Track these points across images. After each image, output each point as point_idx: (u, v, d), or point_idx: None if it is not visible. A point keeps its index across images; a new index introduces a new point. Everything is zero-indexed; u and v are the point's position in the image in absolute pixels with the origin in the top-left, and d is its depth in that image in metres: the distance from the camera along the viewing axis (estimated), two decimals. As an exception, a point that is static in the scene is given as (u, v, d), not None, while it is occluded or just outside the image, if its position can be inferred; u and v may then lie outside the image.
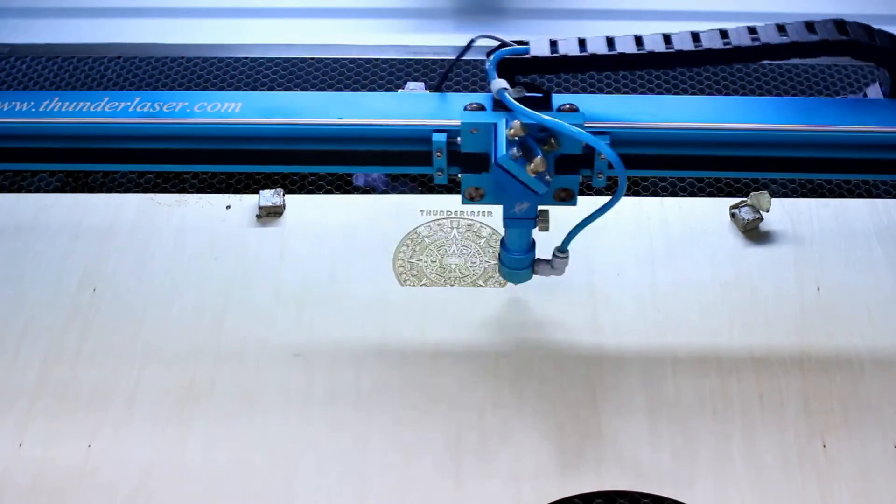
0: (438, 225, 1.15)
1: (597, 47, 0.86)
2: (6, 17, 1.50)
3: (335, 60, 1.39)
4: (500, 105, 0.84)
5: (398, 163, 0.90)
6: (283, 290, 1.07)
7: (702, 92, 1.34)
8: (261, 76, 1.37)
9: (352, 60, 1.39)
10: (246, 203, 1.17)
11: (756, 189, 1.18)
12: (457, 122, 0.85)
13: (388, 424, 0.96)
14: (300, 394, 0.98)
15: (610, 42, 0.87)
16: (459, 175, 0.89)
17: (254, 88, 1.35)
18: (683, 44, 0.86)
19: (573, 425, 0.96)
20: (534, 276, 0.98)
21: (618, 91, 1.34)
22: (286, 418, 0.97)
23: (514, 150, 0.81)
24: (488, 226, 1.14)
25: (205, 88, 1.35)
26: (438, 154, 0.86)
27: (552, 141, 0.83)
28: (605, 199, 0.85)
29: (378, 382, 0.99)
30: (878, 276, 1.08)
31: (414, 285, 1.08)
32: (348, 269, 1.10)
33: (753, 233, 1.13)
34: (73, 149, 0.90)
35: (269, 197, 1.15)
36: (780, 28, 0.86)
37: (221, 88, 1.35)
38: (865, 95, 0.94)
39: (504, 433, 0.95)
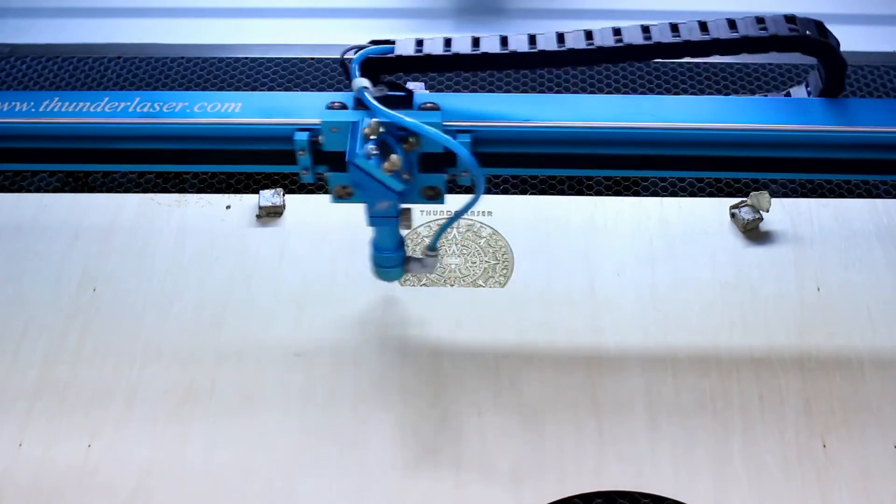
0: (438, 225, 1.15)
1: (461, 47, 0.87)
2: (6, 17, 1.50)
3: (335, 60, 1.39)
4: (361, 104, 0.84)
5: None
6: (283, 290, 1.07)
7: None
8: (261, 76, 1.37)
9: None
10: (246, 203, 1.17)
11: (756, 189, 1.18)
12: (318, 121, 0.85)
13: (387, 424, 0.96)
14: (300, 394, 0.98)
15: (475, 41, 0.87)
16: (326, 174, 0.89)
17: (254, 88, 1.35)
18: (549, 44, 0.86)
19: (573, 425, 0.96)
20: (407, 273, 0.98)
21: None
22: (286, 418, 0.97)
23: (369, 148, 0.81)
24: (488, 226, 1.14)
25: (205, 88, 1.35)
26: (302, 153, 0.86)
27: (411, 140, 0.83)
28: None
29: (378, 382, 0.99)
30: (878, 276, 1.08)
31: (414, 285, 1.08)
32: (348, 269, 1.10)
33: (753, 233, 1.13)
34: (73, 149, 0.90)
35: (269, 197, 1.16)
36: (673, 28, 0.86)
37: (221, 88, 1.35)
38: (788, 94, 0.94)
39: (504, 433, 0.95)
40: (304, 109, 0.87)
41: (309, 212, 1.16)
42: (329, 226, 1.14)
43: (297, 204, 1.17)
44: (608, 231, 1.13)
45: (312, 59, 1.40)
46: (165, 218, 1.15)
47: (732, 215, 1.14)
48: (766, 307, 1.05)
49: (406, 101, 0.85)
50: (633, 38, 0.86)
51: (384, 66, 0.87)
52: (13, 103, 0.89)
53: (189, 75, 1.37)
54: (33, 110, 0.89)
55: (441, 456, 0.94)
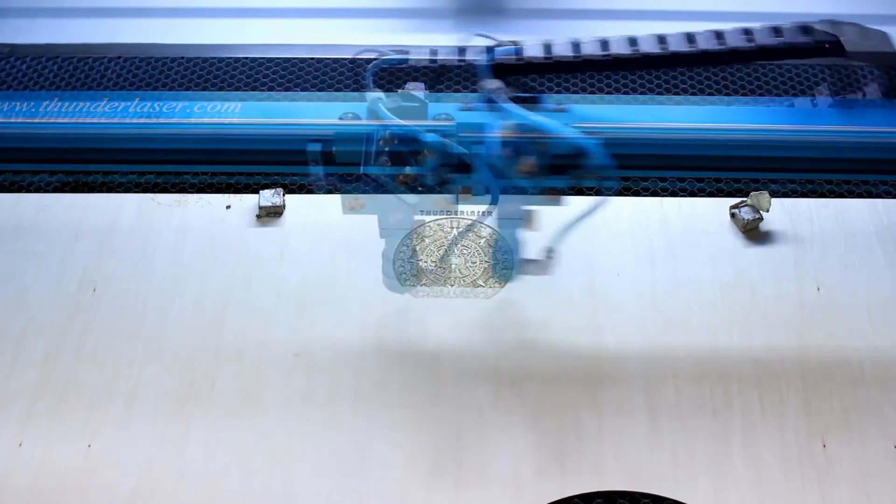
0: (438, 225, 1.15)
1: (591, 50, 0.87)
2: (6, 17, 1.50)
3: (335, 60, 1.39)
4: (492, 105, 0.84)
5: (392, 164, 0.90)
6: (283, 290, 1.07)
7: (701, 93, 1.34)
8: (261, 76, 1.37)
9: (352, 60, 1.39)
10: (246, 203, 1.17)
11: (756, 189, 1.18)
12: (449, 123, 0.85)
13: (387, 425, 0.96)
14: (300, 394, 0.99)
15: (604, 44, 0.87)
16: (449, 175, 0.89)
17: (254, 88, 1.35)
18: (678, 45, 0.86)
19: (573, 425, 0.96)
20: (523, 275, 0.98)
21: (625, 93, 1.34)
22: (286, 418, 0.97)
23: (504, 150, 0.81)
24: (488, 225, 1.14)
25: (205, 89, 1.35)
26: (430, 154, 0.86)
27: (543, 141, 0.83)
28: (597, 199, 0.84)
29: (378, 382, 0.99)
30: (878, 276, 1.08)
31: (414, 285, 1.08)
32: (348, 269, 1.10)
33: (753, 233, 1.13)
34: (73, 149, 0.90)
35: (269, 197, 1.16)
36: (776, 30, 0.86)
37: (221, 89, 1.35)
38: (864, 95, 0.94)
39: (504, 433, 0.95)
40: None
41: (309, 212, 1.16)
42: (329, 226, 1.14)
43: (297, 204, 1.17)
44: (608, 231, 1.13)
45: (312, 59, 1.40)
46: (165, 218, 1.15)
47: (732, 215, 1.14)
48: (766, 307, 1.05)
49: (534, 104, 0.86)
50: (735, 41, 0.86)
51: (511, 69, 0.87)
52: (13, 103, 0.89)
53: (189, 75, 1.37)
54: (33, 111, 0.89)
55: (441, 456, 0.94)
